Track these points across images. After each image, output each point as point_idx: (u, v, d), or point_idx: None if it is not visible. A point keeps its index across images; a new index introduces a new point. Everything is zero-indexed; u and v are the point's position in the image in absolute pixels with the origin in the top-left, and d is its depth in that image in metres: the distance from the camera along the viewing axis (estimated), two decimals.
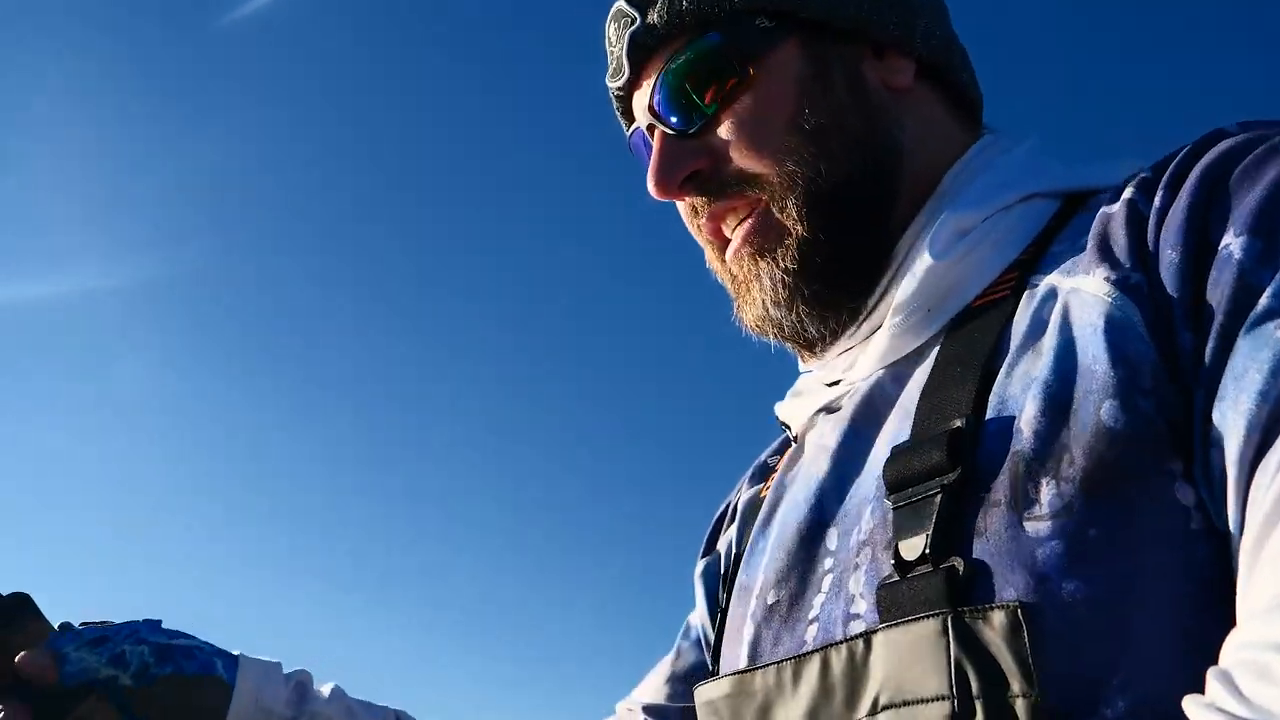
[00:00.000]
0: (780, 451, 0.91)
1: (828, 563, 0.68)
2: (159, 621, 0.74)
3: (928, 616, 0.55)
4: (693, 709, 0.91)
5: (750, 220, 0.77)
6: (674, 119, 0.78)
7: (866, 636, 0.58)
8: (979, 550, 0.56)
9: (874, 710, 0.56)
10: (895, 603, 0.57)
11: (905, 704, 0.54)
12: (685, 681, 0.94)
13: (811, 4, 0.77)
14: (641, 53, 0.80)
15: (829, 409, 0.79)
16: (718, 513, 0.97)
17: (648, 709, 0.95)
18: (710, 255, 0.83)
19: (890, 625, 0.56)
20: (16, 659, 0.64)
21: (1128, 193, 0.64)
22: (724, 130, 0.77)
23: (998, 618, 0.52)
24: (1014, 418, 0.59)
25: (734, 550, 0.86)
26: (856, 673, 0.58)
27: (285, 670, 0.81)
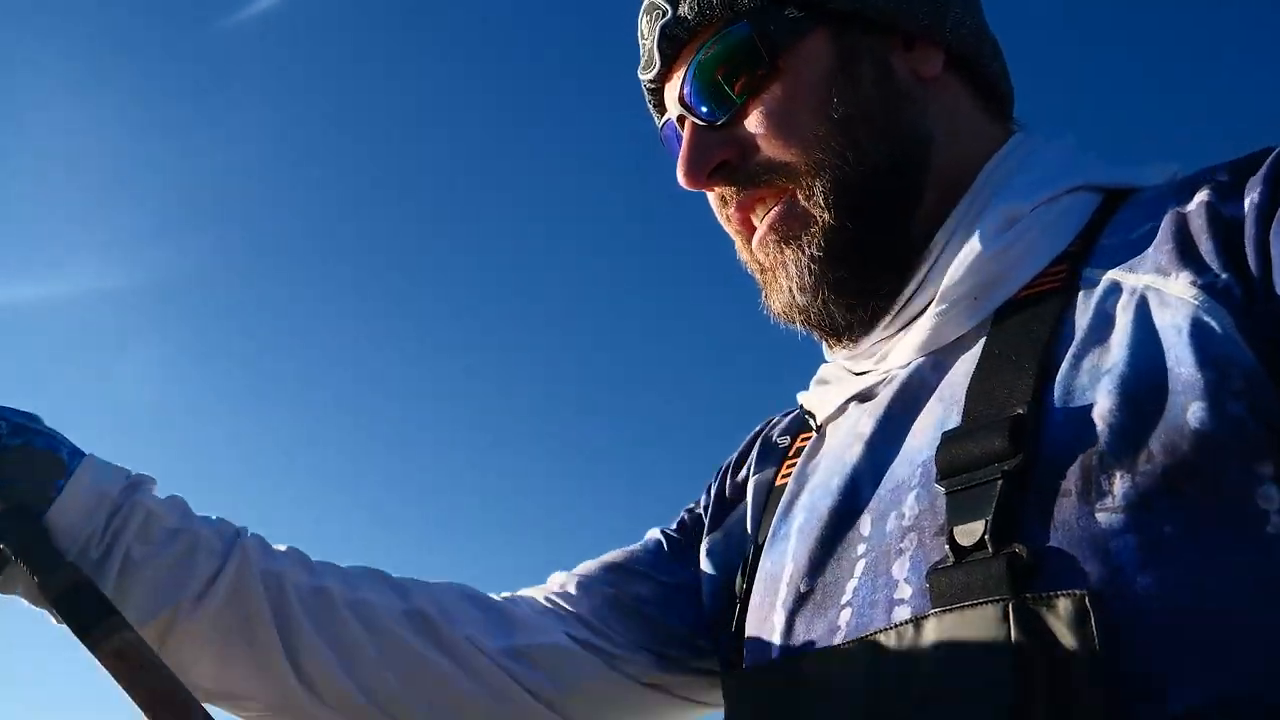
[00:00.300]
0: (791, 432, 0.91)
1: (861, 548, 0.68)
2: (38, 416, 0.82)
3: (988, 602, 0.54)
4: (617, 597, 0.93)
5: (777, 208, 0.77)
6: (703, 109, 0.79)
7: (917, 621, 0.58)
8: (1045, 538, 0.56)
9: (925, 696, 0.55)
10: (950, 588, 0.57)
11: (961, 690, 0.54)
12: (620, 572, 0.95)
13: None
14: (672, 45, 0.81)
15: (862, 397, 0.79)
16: (718, 483, 0.96)
17: (580, 581, 0.95)
18: (740, 245, 0.84)
19: (945, 610, 0.56)
20: None
21: (1203, 195, 0.64)
22: (753, 120, 0.77)
23: (1064, 605, 0.52)
24: (1083, 408, 0.59)
25: (751, 537, 0.85)
26: (907, 658, 0.57)
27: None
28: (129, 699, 0.72)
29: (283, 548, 0.89)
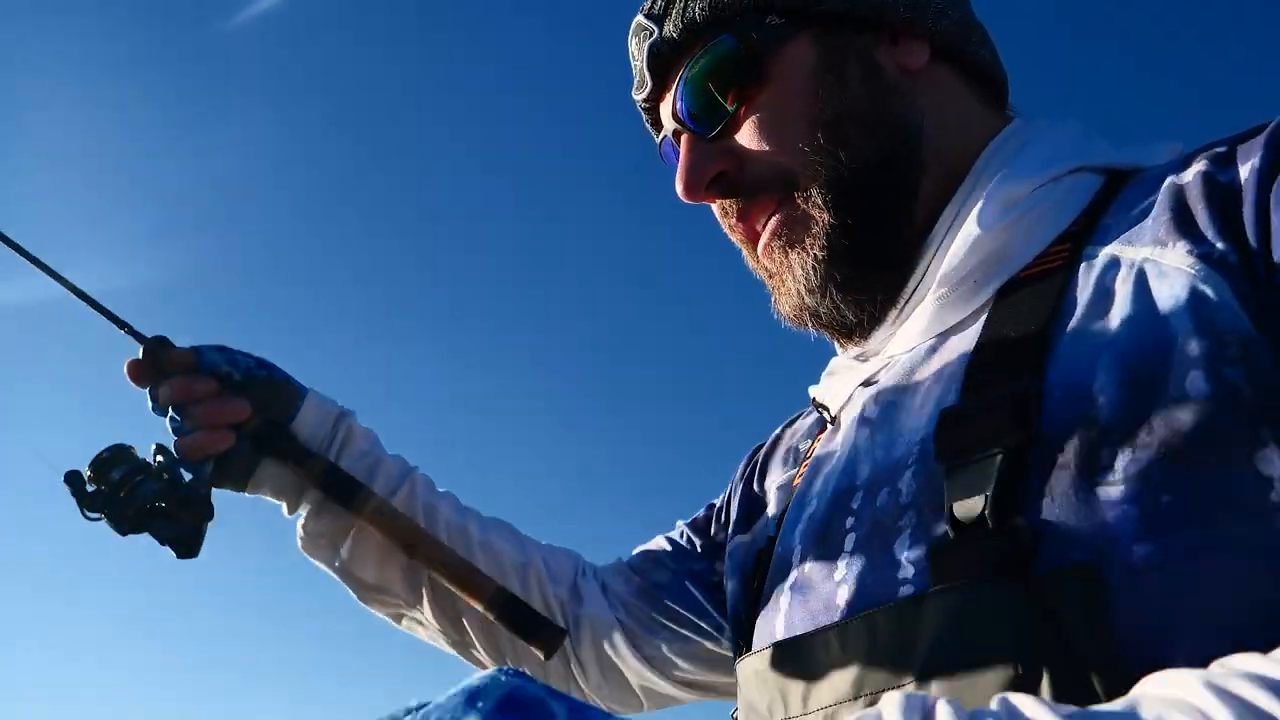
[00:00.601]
0: (811, 435, 0.91)
1: (850, 521, 0.69)
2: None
3: (990, 577, 0.54)
4: (643, 584, 1.06)
5: (778, 214, 0.78)
6: (696, 123, 0.81)
7: (918, 598, 0.57)
8: (1045, 512, 0.56)
9: (926, 673, 0.55)
10: (952, 564, 0.57)
11: (963, 666, 0.53)
12: (648, 561, 1.08)
13: None
14: (661, 63, 0.83)
15: (866, 383, 0.79)
16: (743, 484, 0.97)
17: (625, 567, 1.10)
18: (747, 254, 0.85)
19: (947, 587, 0.56)
20: (172, 353, 0.97)
21: (1200, 165, 0.63)
22: (745, 130, 0.79)
23: (1069, 579, 0.51)
24: (1083, 383, 0.58)
25: (770, 534, 0.86)
26: (906, 635, 0.57)
27: None
28: (391, 541, 1.00)
29: (442, 490, 1.09)
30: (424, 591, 1.05)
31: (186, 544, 0.95)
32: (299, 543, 1.04)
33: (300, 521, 1.03)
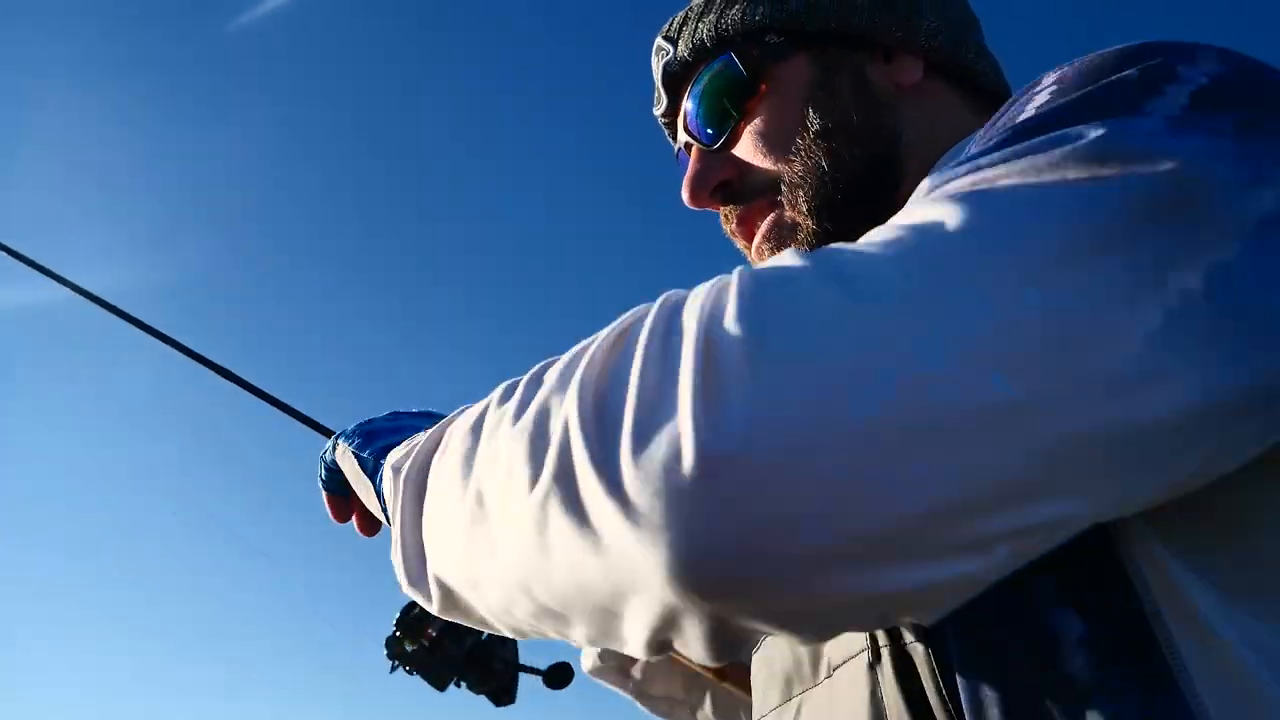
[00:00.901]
0: None
1: None
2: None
3: (853, 655, 0.59)
4: None
5: (769, 218, 0.83)
6: (702, 135, 0.87)
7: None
8: None
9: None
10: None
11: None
12: None
13: (816, 18, 0.83)
14: (675, 81, 0.90)
15: None
16: None
17: None
18: (748, 257, 0.89)
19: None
20: None
21: None
22: (745, 141, 0.84)
23: (918, 650, 0.55)
24: None
25: None
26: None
27: None
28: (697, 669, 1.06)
29: None
30: (706, 694, 1.11)
31: (506, 691, 1.02)
32: (585, 667, 1.10)
33: (595, 651, 1.08)
